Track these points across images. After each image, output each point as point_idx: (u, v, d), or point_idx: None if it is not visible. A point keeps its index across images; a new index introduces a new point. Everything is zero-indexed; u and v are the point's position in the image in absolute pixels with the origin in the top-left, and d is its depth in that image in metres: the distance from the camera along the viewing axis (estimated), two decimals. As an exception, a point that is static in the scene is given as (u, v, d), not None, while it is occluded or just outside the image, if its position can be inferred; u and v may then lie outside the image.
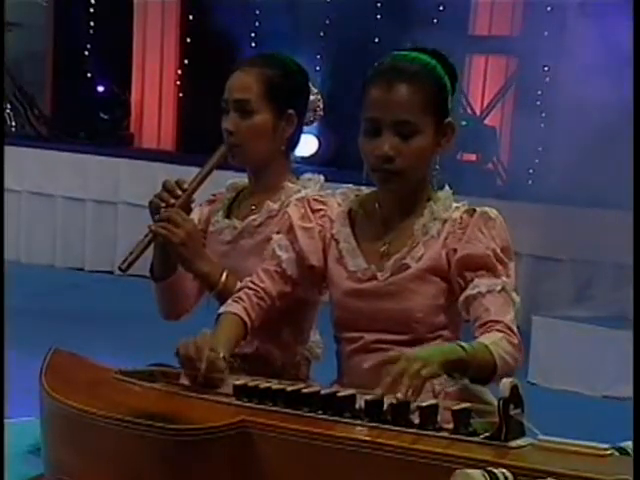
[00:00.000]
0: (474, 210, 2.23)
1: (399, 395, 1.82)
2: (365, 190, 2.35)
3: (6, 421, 2.38)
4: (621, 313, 5.35)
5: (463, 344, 2.01)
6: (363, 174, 2.25)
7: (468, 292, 2.16)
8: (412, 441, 1.71)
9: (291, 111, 2.55)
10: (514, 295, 2.17)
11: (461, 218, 2.23)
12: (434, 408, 1.80)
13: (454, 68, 2.28)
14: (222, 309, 2.29)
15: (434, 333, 2.21)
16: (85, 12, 9.15)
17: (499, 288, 2.15)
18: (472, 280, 2.16)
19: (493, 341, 2.07)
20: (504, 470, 1.55)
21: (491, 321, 2.12)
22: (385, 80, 2.18)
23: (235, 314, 2.26)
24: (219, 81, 2.64)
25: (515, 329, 2.12)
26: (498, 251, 2.18)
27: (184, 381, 2.16)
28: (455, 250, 2.20)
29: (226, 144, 2.57)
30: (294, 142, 2.61)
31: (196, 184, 2.54)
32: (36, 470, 2.17)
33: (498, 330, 2.10)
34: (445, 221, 2.23)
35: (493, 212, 2.23)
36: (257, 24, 8.52)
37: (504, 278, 2.17)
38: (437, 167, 2.29)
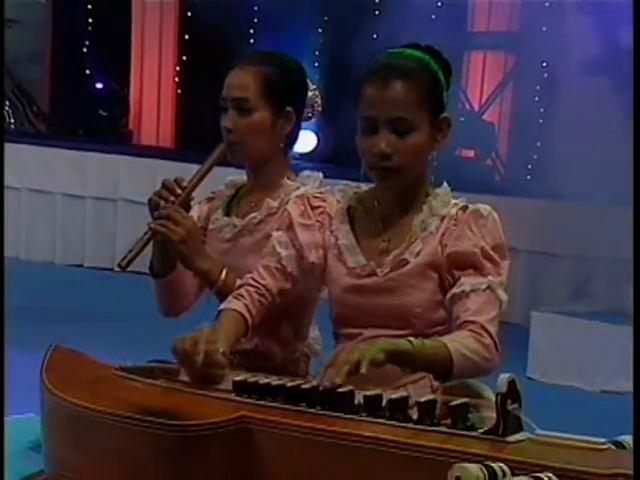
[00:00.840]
0: (467, 207, 2.24)
1: (338, 380, 1.88)
2: (364, 187, 2.36)
3: (6, 418, 2.39)
4: (620, 308, 5.36)
5: (412, 339, 2.04)
6: (361, 171, 2.26)
7: (453, 290, 2.17)
8: (410, 436, 1.72)
9: (289, 108, 2.56)
10: (500, 294, 2.17)
11: (456, 215, 2.24)
12: (432, 403, 1.81)
13: (448, 63, 2.28)
14: (223, 306, 2.30)
15: (432, 329, 2.21)
16: (83, 9, 9.15)
17: (484, 287, 2.15)
18: (459, 278, 2.17)
19: (454, 339, 2.09)
20: (502, 464, 1.56)
21: (466, 321, 2.13)
22: (380, 78, 2.18)
23: (236, 311, 2.27)
24: (218, 78, 2.64)
25: (491, 329, 2.13)
26: (487, 249, 2.18)
27: (184, 377, 2.17)
28: (447, 247, 2.21)
29: (225, 142, 2.58)
30: (293, 139, 2.62)
31: (195, 182, 2.55)
32: (36, 467, 2.18)
33: (470, 330, 2.11)
34: (443, 217, 2.24)
35: (486, 209, 2.23)
36: (255, 21, 8.52)
37: (491, 277, 2.17)
38: (434, 162, 2.30)
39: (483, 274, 2.17)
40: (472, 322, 2.12)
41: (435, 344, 2.08)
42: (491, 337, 2.11)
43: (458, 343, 2.07)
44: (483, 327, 2.12)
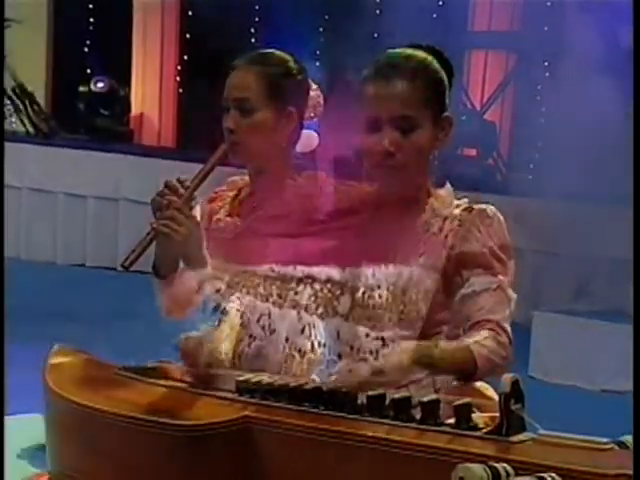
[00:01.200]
0: (472, 208, 2.24)
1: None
2: (366, 187, 2.36)
3: (10, 418, 2.39)
4: (620, 308, 5.36)
5: (438, 342, 2.05)
6: (363, 171, 2.26)
7: (463, 291, 2.17)
8: (414, 436, 1.72)
9: (291, 108, 2.56)
10: (510, 293, 2.18)
11: (460, 215, 2.24)
12: (436, 403, 1.81)
13: (450, 63, 2.29)
14: (225, 306, 2.30)
15: (435, 329, 2.21)
16: (85, 8, 9.15)
17: (494, 286, 2.16)
18: (468, 279, 2.17)
19: (476, 340, 2.09)
20: (505, 464, 1.57)
21: (482, 320, 2.13)
22: (382, 77, 2.19)
23: (239, 311, 2.27)
24: (219, 77, 2.65)
25: (507, 328, 2.13)
26: (495, 249, 2.19)
27: (187, 378, 2.17)
28: (453, 248, 2.21)
29: (227, 142, 2.58)
30: (295, 139, 2.62)
31: (198, 182, 2.54)
32: (42, 467, 2.18)
33: (488, 329, 2.11)
34: (446, 218, 2.24)
35: (491, 210, 2.23)
36: (257, 19, 8.52)
37: (501, 276, 2.17)
38: (435, 162, 2.30)
39: (493, 274, 2.17)
40: (488, 321, 2.12)
41: (459, 347, 2.08)
42: (507, 335, 2.12)
43: (480, 345, 2.08)
44: (500, 325, 2.12)
